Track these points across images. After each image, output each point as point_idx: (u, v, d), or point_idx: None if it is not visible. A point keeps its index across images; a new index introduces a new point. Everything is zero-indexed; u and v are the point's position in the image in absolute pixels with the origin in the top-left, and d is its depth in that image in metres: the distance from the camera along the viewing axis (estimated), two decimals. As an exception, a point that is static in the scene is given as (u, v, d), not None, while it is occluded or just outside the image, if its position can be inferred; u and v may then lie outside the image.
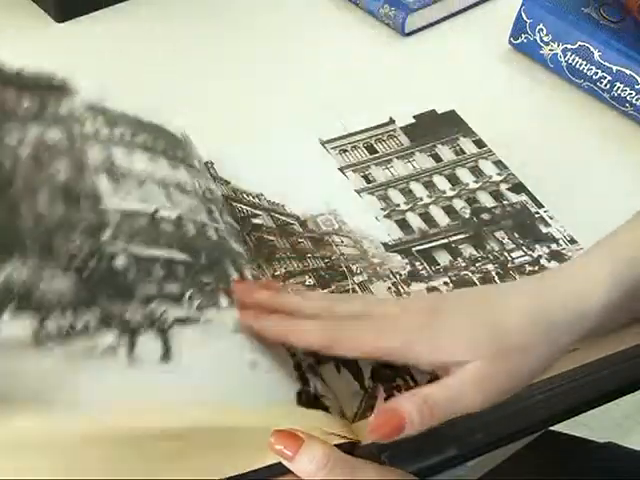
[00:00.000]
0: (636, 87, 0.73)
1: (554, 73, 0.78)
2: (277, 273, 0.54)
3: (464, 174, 0.62)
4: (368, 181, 0.62)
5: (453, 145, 0.64)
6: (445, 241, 0.58)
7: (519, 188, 0.61)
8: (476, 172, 0.62)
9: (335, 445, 0.42)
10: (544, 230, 0.58)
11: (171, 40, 0.81)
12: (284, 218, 0.58)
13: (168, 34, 0.81)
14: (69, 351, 0.39)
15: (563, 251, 0.56)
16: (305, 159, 0.62)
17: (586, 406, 0.49)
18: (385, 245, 0.57)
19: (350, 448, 0.43)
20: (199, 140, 0.61)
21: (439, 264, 0.56)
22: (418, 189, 0.61)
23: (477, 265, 0.55)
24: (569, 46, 0.76)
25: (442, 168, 0.63)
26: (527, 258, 0.56)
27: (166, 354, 0.41)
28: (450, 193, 0.61)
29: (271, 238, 0.56)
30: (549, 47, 0.78)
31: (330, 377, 0.47)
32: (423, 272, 0.55)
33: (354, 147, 0.64)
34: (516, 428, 0.48)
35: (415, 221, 0.59)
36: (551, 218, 0.58)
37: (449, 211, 0.60)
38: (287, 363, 0.46)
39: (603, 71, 0.74)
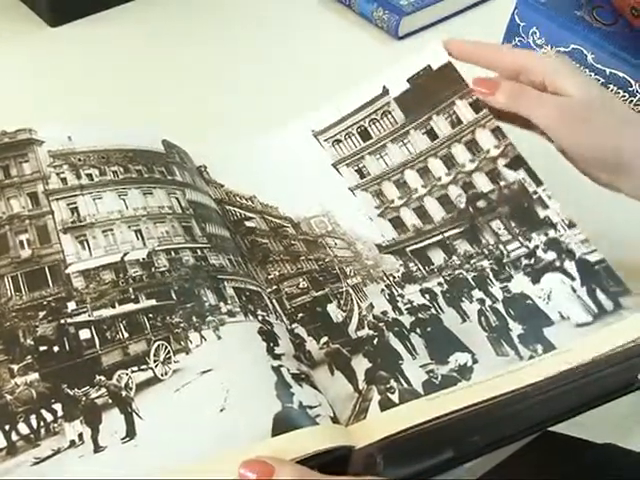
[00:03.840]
0: (629, 89, 0.73)
1: (548, 76, 0.78)
2: (271, 276, 0.54)
3: (460, 152, 0.60)
4: (362, 175, 0.61)
5: (449, 114, 0.61)
6: (440, 238, 0.57)
7: (517, 162, 0.58)
8: (472, 147, 0.60)
9: (330, 450, 0.41)
10: (541, 214, 0.55)
11: (163, 44, 0.80)
12: (277, 220, 0.57)
13: (160, 38, 0.81)
14: (36, 454, 0.40)
15: (561, 238, 0.54)
16: (298, 158, 0.61)
17: (584, 407, 0.49)
18: (379, 247, 0.57)
19: (346, 453, 0.43)
20: (192, 144, 0.61)
21: (433, 264, 0.55)
22: (413, 179, 0.60)
23: (472, 262, 0.55)
24: (562, 49, 0.76)
25: (438, 147, 0.61)
26: (523, 250, 0.55)
27: (130, 431, 0.41)
28: (445, 179, 0.59)
29: (264, 241, 0.56)
30: (542, 50, 0.78)
31: (323, 380, 0.47)
32: (417, 273, 0.55)
33: (348, 135, 0.63)
34: (513, 430, 0.48)
35: (410, 218, 0.58)
36: (549, 198, 0.56)
37: (444, 202, 0.58)
38: (266, 384, 0.44)
39: (596, 74, 0.74)
